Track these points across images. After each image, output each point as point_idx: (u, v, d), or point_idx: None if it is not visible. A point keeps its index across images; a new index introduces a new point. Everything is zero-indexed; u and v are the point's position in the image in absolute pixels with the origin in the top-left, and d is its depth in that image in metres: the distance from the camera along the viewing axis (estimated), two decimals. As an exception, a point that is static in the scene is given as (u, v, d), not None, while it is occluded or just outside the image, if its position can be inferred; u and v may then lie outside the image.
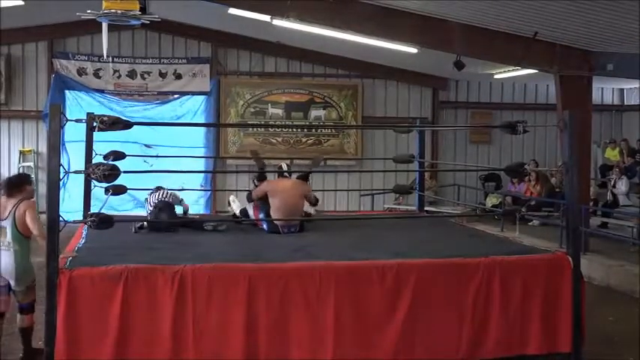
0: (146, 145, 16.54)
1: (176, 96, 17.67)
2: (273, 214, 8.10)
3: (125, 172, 6.59)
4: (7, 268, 6.88)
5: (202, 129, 17.68)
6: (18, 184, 7.20)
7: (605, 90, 19.51)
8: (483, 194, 18.56)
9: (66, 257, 6.23)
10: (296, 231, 8.19)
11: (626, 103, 19.93)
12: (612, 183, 15.31)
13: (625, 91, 19.81)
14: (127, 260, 6.21)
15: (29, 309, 7.04)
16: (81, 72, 17.08)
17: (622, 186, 14.94)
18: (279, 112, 18.01)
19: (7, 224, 6.91)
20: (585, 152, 11.86)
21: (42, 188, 15.42)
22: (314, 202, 8.75)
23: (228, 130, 17.91)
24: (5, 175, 16.73)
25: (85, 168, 6.74)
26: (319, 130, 18.41)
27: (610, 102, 19.86)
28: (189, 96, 17.66)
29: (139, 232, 8.14)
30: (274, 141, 18.04)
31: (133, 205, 15.11)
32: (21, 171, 16.53)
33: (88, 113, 7.55)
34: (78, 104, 16.92)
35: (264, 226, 8.29)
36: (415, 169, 11.02)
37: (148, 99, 17.44)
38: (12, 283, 6.93)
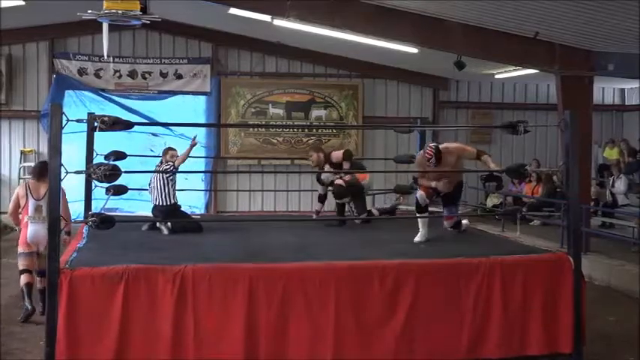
0: (153, 134, 16.59)
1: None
2: None
3: (126, 172, 6.60)
4: (43, 238, 7.68)
5: (203, 129, 17.64)
6: (46, 169, 7.86)
7: (606, 90, 19.48)
8: (484, 194, 18.55)
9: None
10: None
11: (627, 103, 19.91)
12: (611, 183, 15.31)
13: (626, 91, 19.78)
14: (128, 260, 6.22)
15: None
16: (82, 72, 17.06)
17: (620, 185, 14.93)
18: (280, 112, 17.99)
19: (44, 203, 8.01)
20: (586, 152, 11.85)
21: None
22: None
23: (229, 130, 17.88)
24: (6, 175, 16.93)
25: (86, 168, 6.74)
26: (320, 130, 18.40)
27: (611, 102, 19.84)
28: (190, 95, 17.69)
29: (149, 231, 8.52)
30: (275, 141, 18.03)
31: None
32: (21, 171, 16.66)
33: (88, 113, 7.57)
34: (81, 103, 16.89)
35: None
36: (415, 170, 11.02)
37: (149, 95, 17.40)
38: (41, 249, 8.17)
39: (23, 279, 8.37)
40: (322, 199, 9.96)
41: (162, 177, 8.56)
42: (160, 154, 9.21)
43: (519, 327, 6.62)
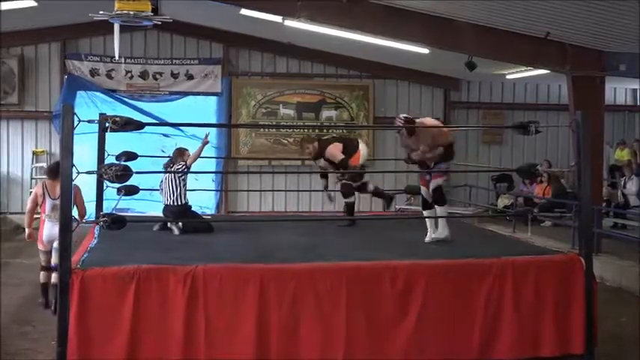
0: (164, 135, 16.64)
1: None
2: None
3: (137, 172, 6.63)
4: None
5: (214, 129, 17.65)
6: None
7: (617, 90, 19.39)
8: (495, 195, 18.50)
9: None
10: None
11: (639, 104, 19.80)
12: (622, 184, 15.23)
13: (638, 91, 19.68)
14: (139, 260, 6.24)
15: None
16: (93, 73, 17.12)
17: (632, 186, 14.86)
18: (291, 112, 18.00)
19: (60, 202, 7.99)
20: (598, 153, 11.81)
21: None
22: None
23: (239, 130, 17.91)
24: (18, 175, 17.03)
25: (98, 168, 6.77)
26: (330, 131, 18.37)
27: (623, 102, 19.74)
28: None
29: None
30: (285, 141, 18.02)
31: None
32: (33, 172, 16.75)
33: (100, 114, 7.61)
34: (93, 104, 16.94)
35: None
36: (426, 170, 10.99)
37: (161, 97, 17.46)
38: (56, 245, 7.83)
39: (41, 277, 8.78)
40: (324, 175, 10.14)
41: (174, 177, 8.59)
42: (171, 155, 9.24)
43: (531, 328, 6.60)
